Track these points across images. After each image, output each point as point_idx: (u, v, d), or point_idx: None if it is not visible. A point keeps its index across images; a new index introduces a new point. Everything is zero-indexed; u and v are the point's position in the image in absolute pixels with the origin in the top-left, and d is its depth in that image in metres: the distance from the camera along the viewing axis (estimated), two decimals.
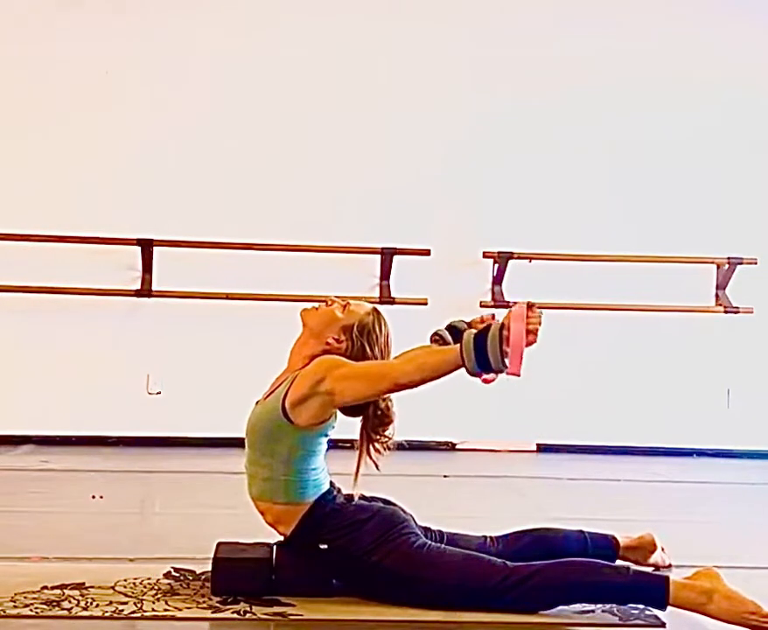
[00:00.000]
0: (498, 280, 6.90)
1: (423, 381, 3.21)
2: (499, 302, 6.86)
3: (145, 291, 6.67)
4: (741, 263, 6.94)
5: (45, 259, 6.56)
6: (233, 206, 6.74)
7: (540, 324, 3.13)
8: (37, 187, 6.65)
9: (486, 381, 3.25)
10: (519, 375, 3.11)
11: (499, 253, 6.84)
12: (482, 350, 3.13)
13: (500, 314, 7.16)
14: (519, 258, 6.84)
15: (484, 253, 6.86)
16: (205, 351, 6.72)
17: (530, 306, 3.14)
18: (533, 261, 6.86)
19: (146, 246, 6.64)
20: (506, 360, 3.13)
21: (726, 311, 6.97)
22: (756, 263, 6.94)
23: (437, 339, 3.54)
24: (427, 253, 6.70)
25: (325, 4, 6.88)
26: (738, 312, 6.95)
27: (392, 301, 6.70)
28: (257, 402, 3.47)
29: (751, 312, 6.96)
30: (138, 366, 6.73)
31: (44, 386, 6.62)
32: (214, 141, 6.75)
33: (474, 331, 3.21)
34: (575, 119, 6.98)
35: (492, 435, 6.95)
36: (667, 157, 7.03)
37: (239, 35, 6.83)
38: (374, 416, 3.39)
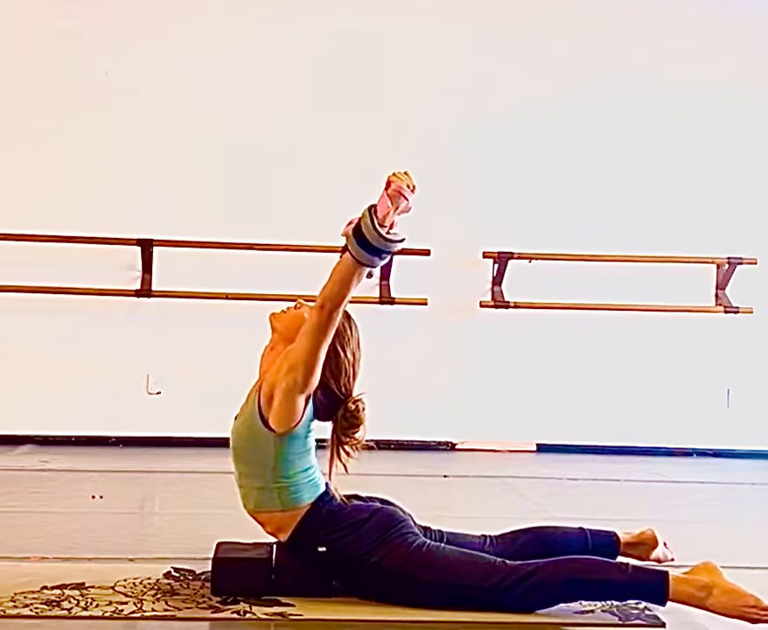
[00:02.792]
0: (498, 280, 6.90)
1: (341, 291, 3.19)
2: (499, 302, 6.87)
3: (145, 291, 6.67)
4: (741, 263, 6.95)
5: (45, 259, 6.56)
6: (233, 206, 6.74)
7: (401, 181, 3.15)
8: (37, 187, 6.66)
9: None
10: (388, 210, 3.13)
11: (499, 253, 6.85)
12: (360, 235, 3.15)
13: (501, 314, 7.26)
14: (519, 258, 6.85)
15: (484, 253, 6.87)
16: (205, 351, 6.72)
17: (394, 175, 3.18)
18: (533, 261, 6.86)
19: (146, 246, 6.65)
20: (388, 236, 3.14)
21: (726, 311, 6.97)
22: (756, 263, 6.94)
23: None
24: (427, 253, 6.69)
25: (326, 4, 6.89)
26: (738, 312, 6.95)
27: (392, 301, 6.70)
28: (235, 417, 3.46)
29: (751, 312, 6.96)
30: (138, 366, 6.73)
31: (44, 386, 6.62)
32: (214, 141, 6.75)
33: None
34: (574, 120, 6.98)
35: (492, 435, 6.95)
36: (667, 158, 7.03)
37: (239, 36, 6.83)
38: (344, 419, 3.37)
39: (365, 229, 3.14)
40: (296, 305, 3.48)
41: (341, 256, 3.27)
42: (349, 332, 3.40)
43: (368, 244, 3.14)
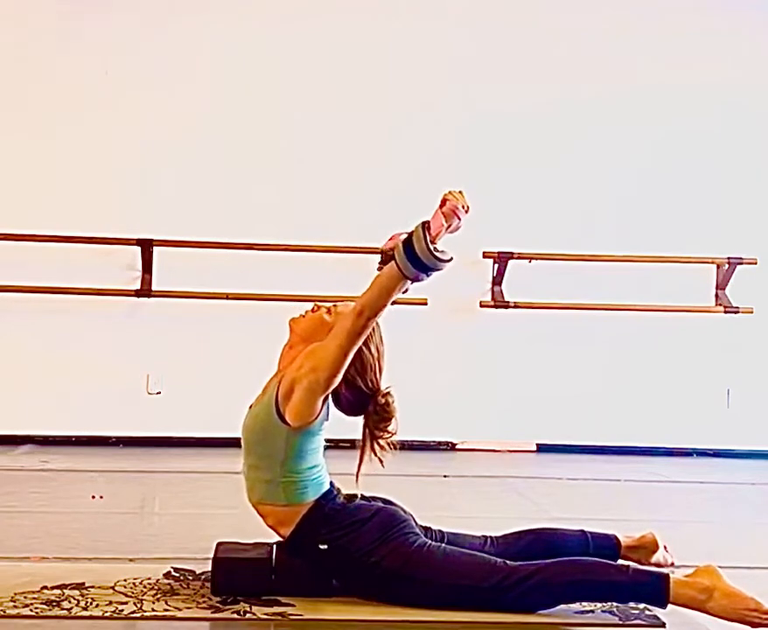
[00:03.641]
0: (498, 280, 6.91)
1: (381, 301, 3.22)
2: (499, 302, 6.87)
3: (145, 291, 6.67)
4: (741, 263, 6.95)
5: (45, 259, 6.56)
6: (233, 206, 6.75)
7: (456, 201, 3.21)
8: (37, 187, 6.66)
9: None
10: (447, 226, 3.19)
11: (499, 253, 6.85)
12: (411, 250, 3.16)
13: (501, 314, 7.25)
14: (519, 258, 6.85)
15: (484, 253, 6.87)
16: (205, 351, 6.72)
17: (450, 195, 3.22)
18: (533, 261, 6.86)
19: (146, 246, 6.65)
20: (438, 254, 3.17)
21: (726, 311, 6.97)
22: (756, 263, 6.95)
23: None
24: None
25: (326, 5, 6.89)
26: (738, 312, 6.96)
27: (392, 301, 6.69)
28: (250, 407, 3.47)
29: (751, 312, 6.97)
30: (138, 366, 6.74)
31: (44, 386, 6.63)
32: (214, 141, 6.76)
33: (404, 236, 3.23)
34: (574, 120, 6.99)
35: (492, 435, 6.96)
36: (667, 158, 7.04)
37: (239, 35, 6.84)
38: (375, 413, 3.40)
39: (416, 244, 3.16)
40: (313, 308, 3.50)
41: (379, 268, 3.31)
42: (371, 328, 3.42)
43: (418, 259, 3.17)
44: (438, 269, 3.22)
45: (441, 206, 3.22)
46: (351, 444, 3.50)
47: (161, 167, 6.73)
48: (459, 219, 3.22)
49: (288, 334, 3.49)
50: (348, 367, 3.31)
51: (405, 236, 3.22)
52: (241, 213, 6.74)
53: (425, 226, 3.19)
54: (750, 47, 7.08)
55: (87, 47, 6.74)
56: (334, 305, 3.48)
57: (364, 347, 3.37)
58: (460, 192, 3.24)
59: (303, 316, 3.49)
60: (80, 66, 6.74)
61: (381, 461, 3.40)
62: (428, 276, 3.24)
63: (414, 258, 3.17)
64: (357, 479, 3.40)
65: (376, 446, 3.40)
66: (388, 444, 3.41)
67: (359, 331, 3.24)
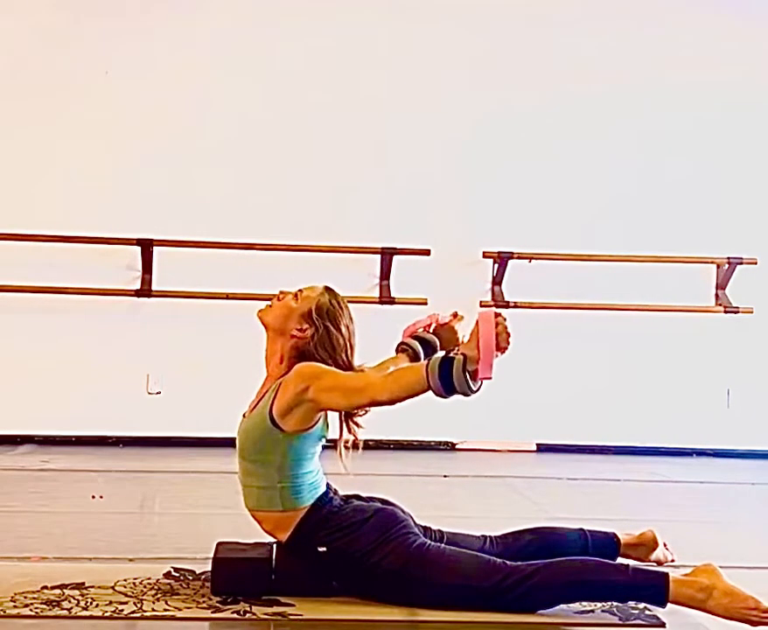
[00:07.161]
0: (498, 280, 6.91)
1: (398, 400, 3.21)
2: (499, 302, 6.87)
3: (145, 291, 6.67)
4: (741, 263, 6.95)
5: (45, 259, 6.56)
6: (233, 206, 6.75)
7: (506, 329, 3.21)
8: (37, 187, 6.66)
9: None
10: (490, 378, 3.13)
11: (499, 253, 6.85)
12: (447, 377, 3.13)
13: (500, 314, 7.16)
14: (519, 258, 6.85)
15: (484, 253, 6.87)
16: (205, 351, 6.72)
17: (497, 315, 3.22)
18: (533, 261, 6.86)
19: (146, 246, 6.65)
20: (472, 384, 3.13)
21: (726, 311, 6.97)
22: (756, 263, 6.95)
23: (406, 349, 3.58)
24: (427, 253, 6.70)
25: (326, 5, 6.89)
26: (738, 312, 6.96)
27: (392, 301, 6.71)
28: (244, 415, 3.46)
29: (751, 312, 6.97)
30: (138, 366, 6.74)
31: (44, 386, 6.62)
32: (214, 141, 6.76)
33: (441, 355, 3.21)
34: (574, 120, 6.99)
35: (492, 435, 6.96)
36: (667, 157, 7.04)
37: (239, 35, 6.84)
38: None
39: (456, 381, 3.11)
40: (278, 297, 3.50)
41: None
42: (337, 306, 3.43)
43: (452, 386, 3.13)
44: (465, 394, 3.18)
45: (498, 348, 3.16)
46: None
47: (161, 167, 6.73)
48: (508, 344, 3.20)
49: (263, 332, 3.50)
50: (318, 351, 3.36)
51: (442, 357, 3.17)
52: (241, 213, 6.74)
53: (465, 364, 3.11)
54: (750, 47, 7.08)
55: (87, 47, 6.74)
56: (300, 291, 3.48)
57: (333, 328, 3.38)
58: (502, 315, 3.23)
59: (270, 306, 3.50)
60: (80, 66, 6.73)
61: (356, 440, 3.39)
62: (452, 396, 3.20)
63: (448, 384, 3.12)
64: (340, 457, 3.40)
65: (352, 424, 3.41)
66: (356, 442, 3.41)
67: (364, 406, 3.31)
